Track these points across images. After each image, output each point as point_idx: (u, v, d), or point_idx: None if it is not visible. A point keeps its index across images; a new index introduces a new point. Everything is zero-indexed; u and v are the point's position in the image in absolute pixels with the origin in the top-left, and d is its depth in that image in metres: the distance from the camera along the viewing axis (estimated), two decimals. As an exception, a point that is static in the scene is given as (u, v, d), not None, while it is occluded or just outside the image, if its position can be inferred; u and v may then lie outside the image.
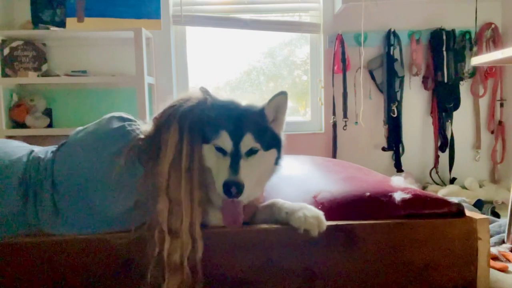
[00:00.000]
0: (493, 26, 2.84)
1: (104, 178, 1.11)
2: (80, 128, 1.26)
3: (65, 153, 1.20)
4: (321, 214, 1.14)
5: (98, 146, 1.16)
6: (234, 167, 1.07)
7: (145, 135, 1.15)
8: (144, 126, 1.20)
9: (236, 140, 1.10)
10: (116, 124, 1.20)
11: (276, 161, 1.21)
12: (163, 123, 1.12)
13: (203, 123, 1.11)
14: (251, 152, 1.12)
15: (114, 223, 1.14)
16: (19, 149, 1.24)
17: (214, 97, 1.17)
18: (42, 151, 1.25)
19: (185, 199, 1.07)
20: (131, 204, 1.11)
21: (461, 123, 2.92)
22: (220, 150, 1.11)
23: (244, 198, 1.10)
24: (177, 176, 1.07)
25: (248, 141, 1.11)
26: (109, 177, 1.10)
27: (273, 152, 1.18)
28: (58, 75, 2.73)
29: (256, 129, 1.13)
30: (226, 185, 1.05)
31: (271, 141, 1.17)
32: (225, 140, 1.10)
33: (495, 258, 1.57)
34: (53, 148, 1.25)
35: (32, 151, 1.24)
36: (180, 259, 1.05)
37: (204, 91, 1.17)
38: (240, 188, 1.05)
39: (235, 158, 1.09)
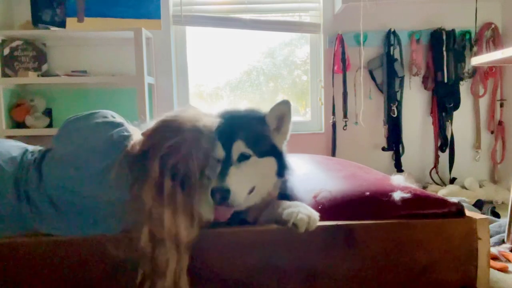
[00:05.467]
0: (493, 26, 2.84)
1: (94, 193, 1.10)
2: (69, 125, 1.23)
3: (54, 161, 1.17)
4: (315, 214, 1.14)
5: (86, 161, 1.13)
6: (222, 173, 1.09)
7: (133, 149, 1.11)
8: (135, 132, 1.17)
9: (228, 148, 1.13)
10: (104, 133, 1.16)
11: (280, 173, 1.20)
12: (148, 150, 1.07)
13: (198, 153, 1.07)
14: (243, 158, 1.14)
15: (105, 229, 1.12)
16: (13, 148, 1.23)
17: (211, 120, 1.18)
18: (35, 151, 1.24)
19: (169, 236, 1.01)
20: (120, 216, 1.08)
21: (461, 123, 2.91)
22: (217, 160, 1.14)
23: (235, 202, 1.09)
24: (159, 208, 1.02)
25: (238, 148, 1.14)
26: (98, 193, 1.09)
27: (270, 160, 1.18)
28: (58, 75, 2.72)
29: (249, 135, 1.15)
30: (212, 191, 1.07)
31: (267, 148, 1.18)
32: (218, 150, 1.14)
33: (495, 258, 1.57)
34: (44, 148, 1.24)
35: (26, 151, 1.23)
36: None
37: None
38: (225, 194, 1.06)
39: (225, 165, 1.12)
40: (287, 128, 1.23)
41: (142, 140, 1.11)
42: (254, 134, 1.17)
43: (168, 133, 1.07)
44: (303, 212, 1.12)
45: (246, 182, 1.14)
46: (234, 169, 1.11)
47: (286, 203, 1.21)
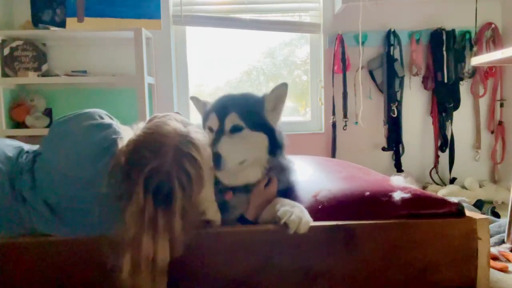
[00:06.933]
0: (493, 26, 2.84)
1: (85, 198, 1.09)
2: (57, 129, 1.22)
3: (44, 167, 1.15)
4: (308, 219, 1.14)
5: (74, 168, 1.12)
6: (215, 140, 1.17)
7: (119, 158, 1.07)
8: (125, 133, 1.16)
9: (222, 118, 1.22)
10: (91, 137, 1.15)
11: (272, 151, 1.25)
12: (130, 169, 1.04)
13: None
14: (235, 129, 1.21)
15: (101, 230, 1.09)
16: (9, 148, 1.22)
17: (207, 102, 1.35)
18: (31, 151, 1.23)
19: (145, 260, 0.99)
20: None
21: (461, 123, 2.91)
22: (211, 130, 1.24)
23: (226, 166, 1.15)
24: (140, 232, 1.00)
25: (232, 119, 1.21)
26: (90, 198, 1.07)
27: (261, 136, 1.24)
28: (58, 75, 2.72)
29: (243, 110, 1.23)
30: None
31: (259, 123, 1.24)
32: (213, 120, 1.24)
33: (495, 258, 1.57)
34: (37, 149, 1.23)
35: (21, 151, 1.22)
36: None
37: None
38: (216, 157, 1.13)
39: (218, 134, 1.20)
40: (281, 108, 1.29)
41: (125, 152, 1.07)
42: (249, 109, 1.24)
43: (148, 153, 1.04)
44: (296, 214, 1.12)
45: (237, 152, 1.19)
46: (226, 138, 1.18)
47: (285, 201, 1.22)
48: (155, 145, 1.05)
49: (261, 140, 1.24)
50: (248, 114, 1.23)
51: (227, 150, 1.15)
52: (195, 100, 1.40)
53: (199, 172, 1.08)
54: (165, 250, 1.01)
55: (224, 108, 1.24)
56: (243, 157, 1.21)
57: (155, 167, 1.02)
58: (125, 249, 0.99)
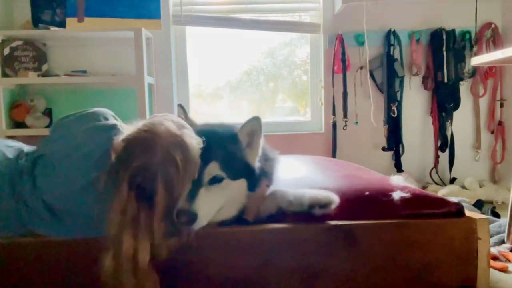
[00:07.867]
0: (493, 26, 2.84)
1: (87, 200, 1.09)
2: (60, 129, 1.22)
3: (46, 169, 1.15)
4: (327, 192, 1.16)
5: (77, 170, 1.11)
6: (191, 194, 1.05)
7: (115, 150, 1.05)
8: (128, 132, 1.13)
9: (201, 167, 1.08)
10: (95, 139, 1.14)
11: (251, 188, 1.18)
12: (118, 166, 1.03)
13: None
14: (215, 180, 1.10)
15: (100, 233, 1.08)
16: (9, 149, 1.22)
17: (191, 121, 1.22)
18: (30, 152, 1.23)
19: (126, 259, 0.97)
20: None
21: (461, 123, 2.91)
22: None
23: (198, 226, 1.05)
24: (122, 231, 0.98)
25: (212, 170, 1.10)
26: (91, 200, 1.07)
27: (242, 182, 1.16)
28: (58, 75, 2.72)
29: (223, 157, 1.12)
30: (178, 212, 1.03)
31: (240, 170, 1.15)
32: None
33: (495, 258, 1.57)
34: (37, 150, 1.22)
35: (21, 152, 1.22)
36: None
37: (182, 109, 1.24)
38: (192, 217, 1.03)
39: (195, 186, 1.07)
40: (258, 143, 1.19)
41: (117, 149, 1.05)
42: (229, 155, 1.14)
43: (137, 151, 1.02)
44: (322, 194, 1.15)
45: (214, 206, 1.11)
46: (205, 191, 1.08)
47: (291, 192, 1.19)
48: (146, 143, 1.03)
49: (240, 185, 1.16)
50: (230, 161, 1.12)
51: (204, 208, 1.06)
52: (182, 109, 1.29)
53: (182, 176, 1.03)
54: (145, 250, 0.98)
55: (204, 155, 1.09)
56: (219, 207, 1.12)
57: (141, 165, 1.00)
58: (107, 246, 0.97)
